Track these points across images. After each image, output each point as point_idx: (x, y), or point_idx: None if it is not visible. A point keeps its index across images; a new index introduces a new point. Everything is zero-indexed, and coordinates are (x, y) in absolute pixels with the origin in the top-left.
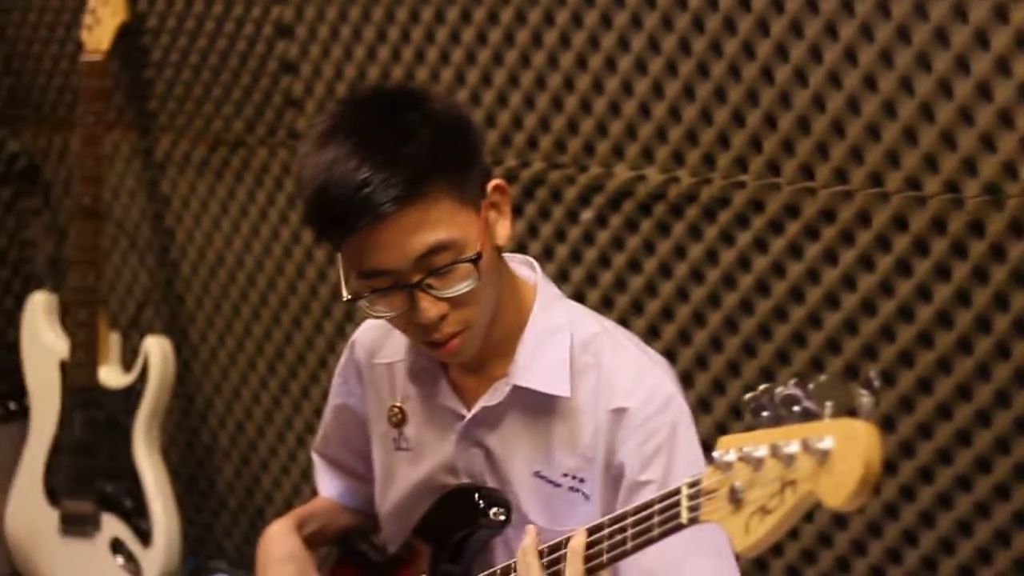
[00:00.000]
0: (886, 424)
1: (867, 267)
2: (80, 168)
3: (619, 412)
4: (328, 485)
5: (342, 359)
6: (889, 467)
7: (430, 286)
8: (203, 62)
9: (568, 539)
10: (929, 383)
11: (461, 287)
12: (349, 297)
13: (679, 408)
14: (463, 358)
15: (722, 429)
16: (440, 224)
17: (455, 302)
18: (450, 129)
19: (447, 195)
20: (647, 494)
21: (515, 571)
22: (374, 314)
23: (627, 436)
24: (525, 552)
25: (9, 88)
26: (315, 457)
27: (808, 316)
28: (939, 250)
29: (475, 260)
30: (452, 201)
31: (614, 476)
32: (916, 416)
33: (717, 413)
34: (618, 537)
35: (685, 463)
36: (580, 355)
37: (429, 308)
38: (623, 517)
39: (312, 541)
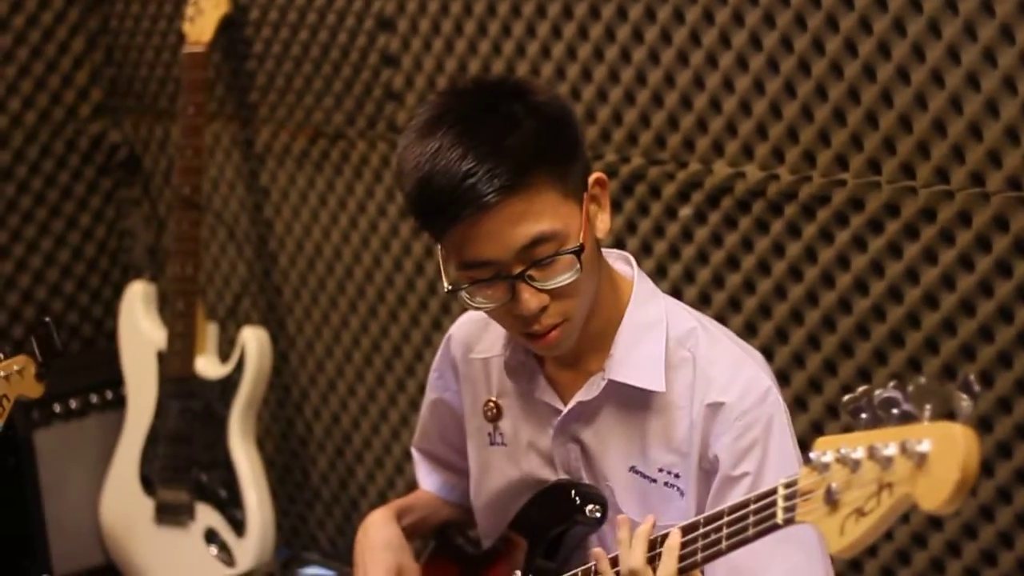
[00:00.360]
0: (983, 425)
1: (966, 267)
2: (180, 159)
3: (715, 406)
4: (427, 479)
5: (438, 354)
6: (986, 468)
7: (532, 277)
8: (304, 54)
9: (663, 537)
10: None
11: (562, 279)
12: (449, 288)
13: (776, 402)
14: (562, 350)
15: (818, 428)
16: (544, 215)
17: (556, 294)
18: (554, 121)
19: (550, 187)
20: (740, 488)
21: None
22: (474, 305)
23: (723, 430)
24: (637, 536)
25: (111, 79)
26: (415, 453)
27: (906, 315)
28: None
29: (578, 252)
30: (555, 193)
31: (707, 470)
32: (1014, 417)
33: (813, 412)
34: (713, 537)
35: (779, 459)
36: (676, 350)
37: (530, 299)
38: (719, 516)
39: (411, 532)
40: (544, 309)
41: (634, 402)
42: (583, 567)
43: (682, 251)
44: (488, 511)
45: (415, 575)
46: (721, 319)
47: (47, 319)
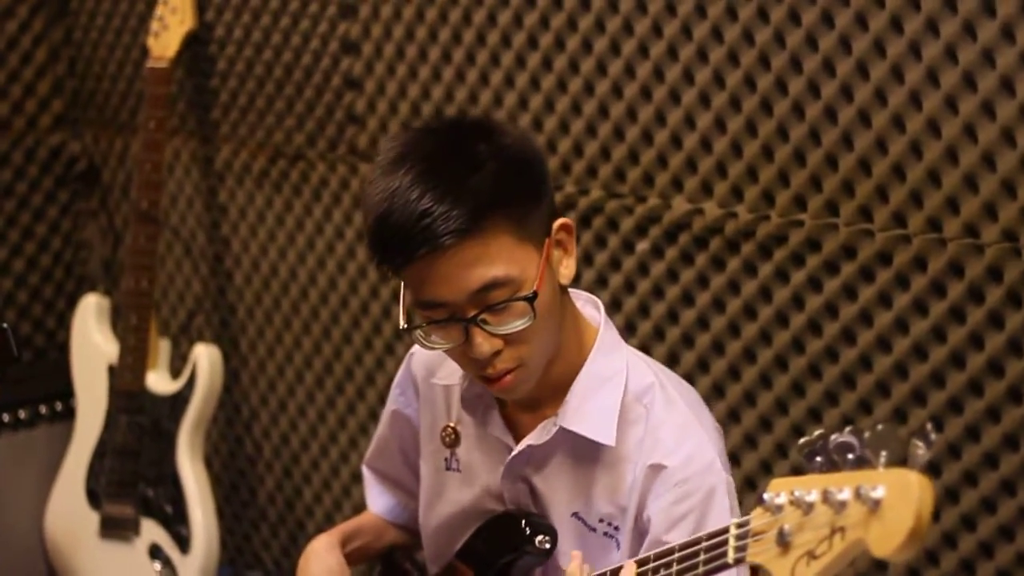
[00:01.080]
0: (932, 469)
1: (920, 312)
2: (139, 173)
3: (656, 468)
4: (377, 501)
5: (400, 370)
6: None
7: (485, 321)
8: (268, 74)
9: (614, 570)
10: (977, 431)
11: (516, 324)
12: (405, 327)
13: (718, 476)
14: (517, 395)
15: (767, 467)
16: (498, 260)
17: (510, 339)
18: (517, 164)
19: (507, 231)
20: None
21: None
22: (429, 345)
23: (660, 493)
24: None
25: (73, 90)
26: (365, 471)
27: (859, 358)
28: (994, 298)
29: (531, 299)
30: (512, 238)
31: (640, 530)
32: (963, 463)
33: (763, 450)
34: (663, 573)
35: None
36: (632, 405)
37: (483, 344)
38: (669, 552)
39: (356, 557)
40: (498, 353)
41: (584, 451)
42: None
43: (638, 285)
44: (437, 536)
45: None
46: (674, 355)
47: (4, 325)
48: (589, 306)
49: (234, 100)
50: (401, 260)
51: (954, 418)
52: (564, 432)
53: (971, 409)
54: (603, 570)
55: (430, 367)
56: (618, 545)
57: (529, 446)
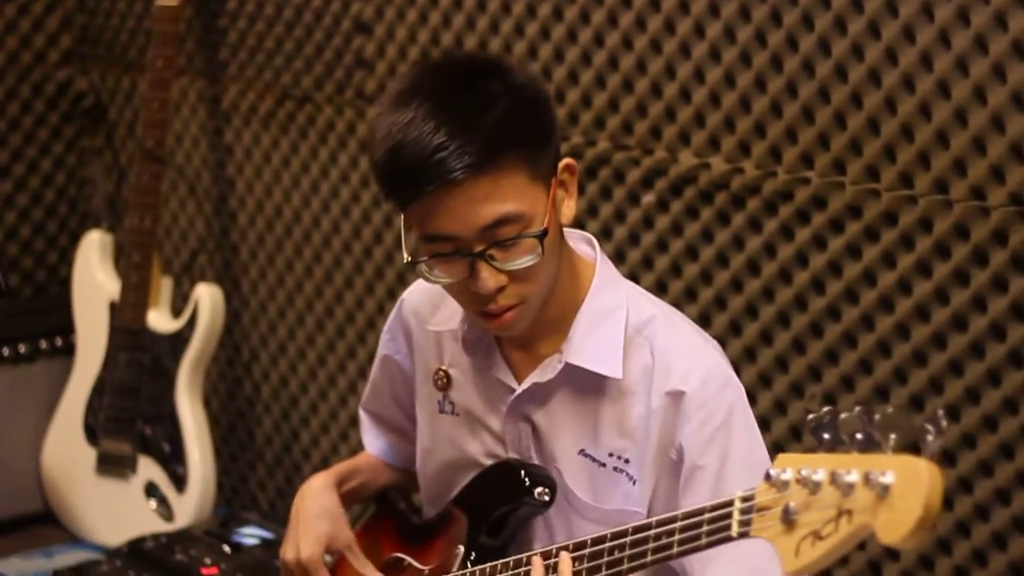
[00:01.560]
0: (946, 458)
1: (924, 273)
2: (146, 111)
3: (676, 395)
4: (373, 443)
5: (391, 316)
6: (946, 502)
7: (492, 257)
8: (277, 15)
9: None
10: (977, 394)
11: (523, 261)
12: (409, 259)
13: (736, 390)
14: (515, 332)
15: (765, 423)
16: (510, 196)
17: (515, 276)
18: (529, 103)
19: (519, 169)
20: (705, 478)
21: (554, 556)
22: (432, 279)
23: (685, 419)
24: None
25: (81, 27)
26: (362, 413)
27: (860, 317)
28: (999, 261)
29: (541, 236)
30: (524, 175)
31: (674, 459)
32: (978, 452)
33: (761, 406)
34: (665, 540)
35: (744, 447)
36: (635, 336)
37: (488, 279)
38: (672, 520)
39: (351, 497)
40: (501, 289)
41: (589, 386)
42: (533, 551)
43: (642, 238)
44: (434, 480)
45: (348, 544)
46: (676, 309)
47: None
48: (583, 243)
49: (243, 41)
50: (412, 193)
51: (954, 380)
52: (569, 368)
53: (972, 372)
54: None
55: (422, 313)
56: (631, 479)
57: (534, 384)
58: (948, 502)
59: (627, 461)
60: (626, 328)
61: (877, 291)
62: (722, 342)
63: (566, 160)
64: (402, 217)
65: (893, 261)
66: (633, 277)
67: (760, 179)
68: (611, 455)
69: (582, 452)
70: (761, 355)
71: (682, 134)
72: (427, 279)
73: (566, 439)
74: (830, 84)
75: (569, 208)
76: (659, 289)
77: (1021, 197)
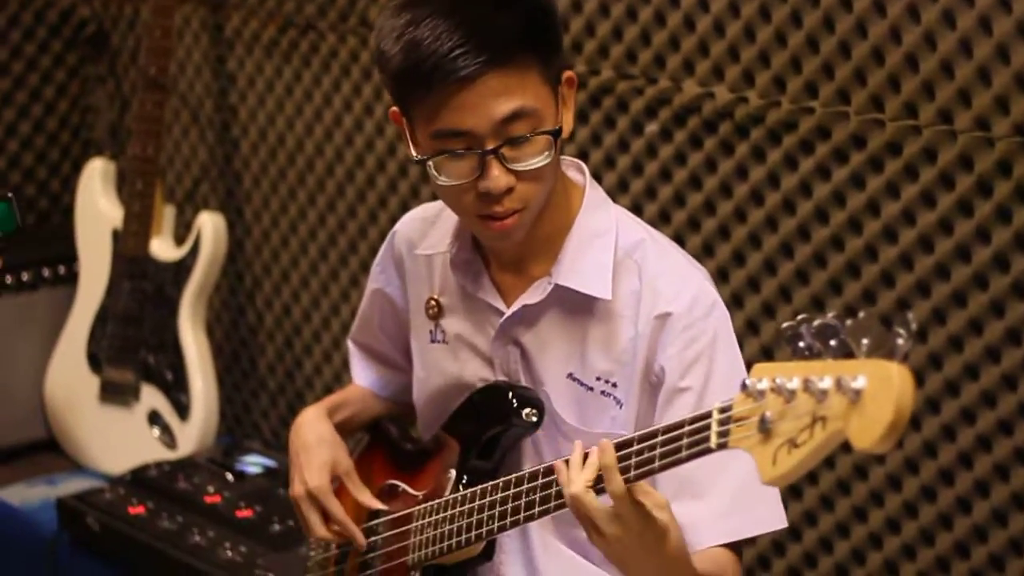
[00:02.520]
0: (933, 363)
1: (928, 203)
2: (148, 39)
3: (663, 317)
4: (362, 374)
5: (383, 247)
6: (914, 421)
7: (504, 156)
8: None
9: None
10: (980, 325)
11: (534, 162)
12: (418, 158)
13: (722, 315)
14: (513, 240)
15: (768, 353)
16: (526, 92)
17: (523, 176)
18: (543, 9)
19: (533, 68)
20: (686, 400)
21: (544, 476)
22: (440, 179)
23: (669, 341)
24: (573, 465)
25: None
26: (351, 345)
27: (864, 247)
28: (1003, 192)
29: (555, 134)
30: (537, 75)
31: (653, 382)
32: (964, 356)
33: (765, 336)
34: (647, 455)
35: (725, 371)
36: (623, 259)
37: (499, 177)
38: (653, 435)
39: (344, 427)
40: (509, 191)
41: (578, 308)
42: (523, 472)
43: (646, 167)
44: (429, 409)
45: (348, 471)
46: (679, 238)
47: (10, 194)
48: (572, 169)
49: None
50: (427, 89)
51: (957, 311)
52: (559, 289)
53: (975, 302)
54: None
55: (412, 240)
56: (618, 402)
57: (524, 306)
58: (915, 422)
59: (615, 385)
60: (616, 251)
61: (881, 222)
62: (725, 272)
63: (568, 72)
64: (404, 122)
65: (897, 192)
66: (636, 206)
67: (764, 109)
68: (599, 379)
69: (570, 376)
70: (765, 285)
71: (686, 63)
72: (435, 179)
73: (554, 362)
74: (835, 13)
75: (567, 122)
76: (662, 218)
77: (988, 122)
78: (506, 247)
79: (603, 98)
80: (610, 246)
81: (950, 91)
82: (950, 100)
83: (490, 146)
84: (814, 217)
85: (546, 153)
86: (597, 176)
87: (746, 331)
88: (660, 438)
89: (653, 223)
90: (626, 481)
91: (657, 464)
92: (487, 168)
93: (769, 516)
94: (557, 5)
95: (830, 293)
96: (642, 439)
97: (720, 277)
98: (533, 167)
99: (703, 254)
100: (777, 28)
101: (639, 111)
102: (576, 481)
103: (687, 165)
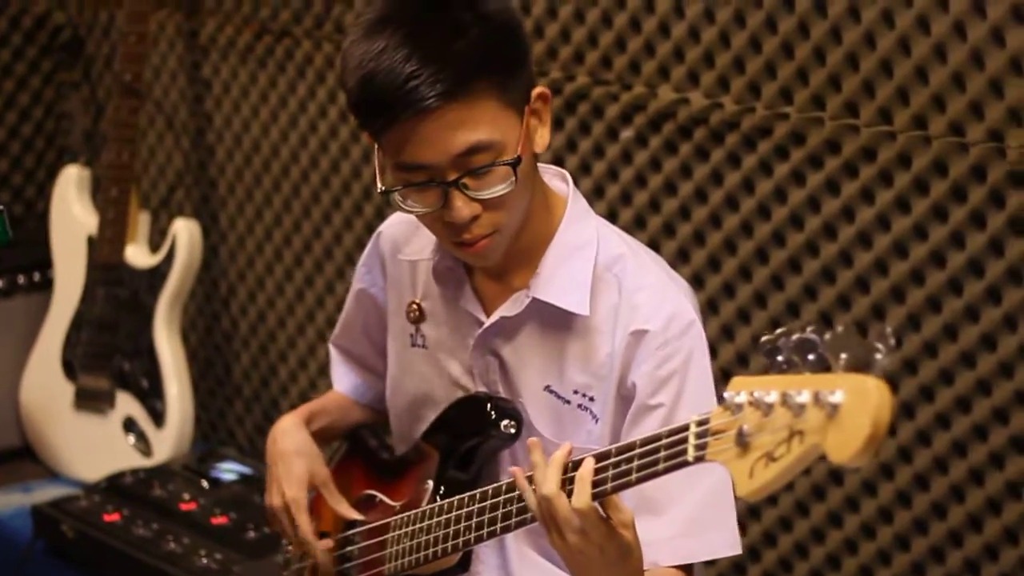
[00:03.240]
0: (908, 368)
1: (903, 209)
2: (123, 45)
3: (639, 334)
4: (342, 379)
5: (367, 249)
6: (907, 412)
7: (465, 186)
8: None
9: (575, 463)
10: (954, 330)
11: (496, 190)
12: (382, 189)
13: (698, 335)
14: (489, 262)
15: (743, 360)
16: (483, 124)
17: (488, 204)
18: (501, 31)
19: (492, 96)
20: (654, 418)
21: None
22: (406, 208)
23: (643, 358)
24: (553, 462)
25: None
26: (332, 350)
27: (839, 253)
28: (977, 197)
29: (514, 164)
30: (496, 103)
31: (624, 397)
32: (939, 361)
33: (740, 343)
34: (624, 467)
35: (696, 392)
36: (603, 274)
37: (462, 208)
38: (630, 447)
39: (321, 436)
40: (476, 219)
41: (556, 322)
42: (500, 483)
43: (621, 173)
44: (404, 414)
45: (325, 481)
46: (655, 244)
47: (1, 207)
48: (556, 179)
49: None
50: (384, 122)
51: (932, 317)
52: (537, 303)
53: (949, 308)
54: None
55: (396, 243)
56: (594, 417)
57: (502, 317)
58: (891, 428)
59: (591, 399)
60: (595, 265)
61: (856, 227)
62: (700, 278)
63: (539, 88)
64: (375, 147)
65: (872, 197)
66: (612, 212)
67: (739, 114)
68: (576, 392)
69: (547, 388)
70: (740, 290)
71: (661, 69)
72: (401, 209)
73: (532, 375)
74: (809, 19)
75: (543, 137)
76: (637, 224)
77: (999, 133)
78: (486, 266)
79: (578, 104)
80: (590, 259)
81: (924, 97)
82: (924, 106)
83: (451, 177)
84: (789, 223)
85: (509, 181)
86: (573, 182)
87: (721, 337)
88: (638, 450)
89: (628, 229)
90: (603, 493)
91: (634, 476)
92: (450, 199)
93: (723, 542)
94: (520, 22)
95: (805, 298)
96: (620, 451)
97: (696, 283)
98: (496, 195)
99: (678, 260)
100: (752, 34)
101: (614, 117)
102: (550, 481)
103: (662, 171)
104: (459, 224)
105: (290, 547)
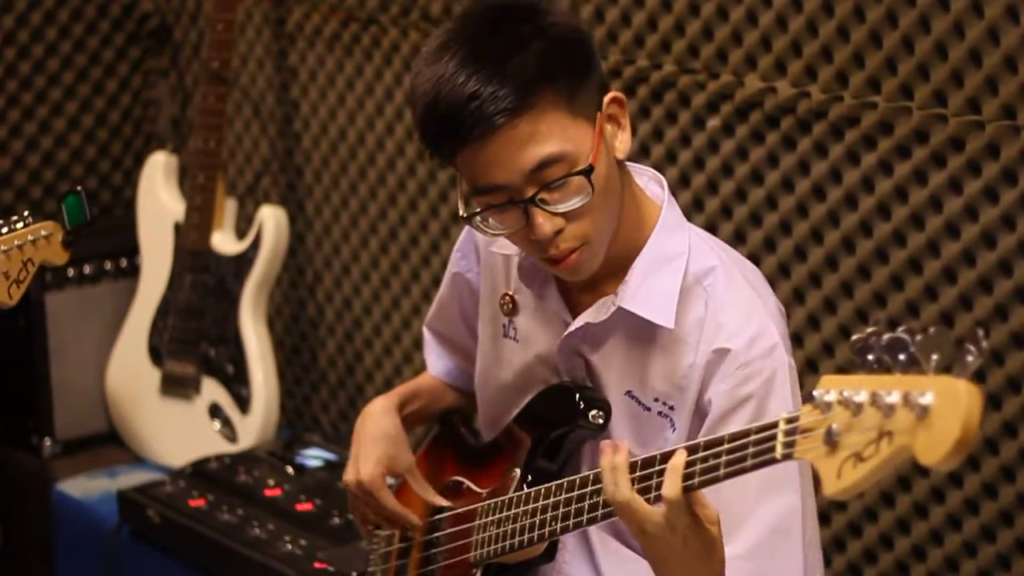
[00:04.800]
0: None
1: (991, 199)
2: (211, 32)
3: (721, 352)
4: (436, 363)
5: (463, 234)
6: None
7: (544, 201)
8: None
9: (663, 455)
10: (1021, 337)
11: (574, 202)
12: (464, 215)
13: (781, 359)
14: (584, 275)
15: (828, 349)
16: (551, 137)
17: (571, 216)
18: (562, 41)
19: (559, 108)
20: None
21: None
22: (490, 232)
23: (722, 377)
24: (616, 468)
25: None
26: (426, 333)
27: (927, 243)
28: None
29: (587, 173)
30: (564, 114)
31: (700, 412)
32: (1006, 370)
33: (825, 332)
34: (712, 462)
35: (775, 413)
36: (692, 286)
37: (544, 223)
38: (719, 442)
39: (413, 419)
40: (560, 232)
41: (641, 332)
42: (587, 474)
43: (707, 162)
44: (492, 402)
45: (408, 466)
46: (740, 234)
47: (79, 188)
48: (653, 183)
49: None
50: (452, 147)
51: (1020, 307)
52: (622, 312)
53: (1000, 289)
54: (653, 452)
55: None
56: (672, 425)
57: (586, 323)
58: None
59: (672, 408)
60: (685, 276)
61: (943, 217)
62: (786, 267)
63: (613, 93)
64: (458, 174)
65: (960, 187)
66: (697, 201)
67: (826, 104)
68: (656, 400)
69: (628, 393)
70: (826, 280)
71: (748, 58)
72: (485, 233)
73: (614, 379)
74: (898, 8)
75: (623, 142)
76: (723, 214)
77: None
78: (579, 280)
79: (665, 92)
80: (680, 272)
81: (1013, 86)
82: (1013, 95)
83: (528, 194)
84: (876, 213)
85: (586, 192)
86: (658, 171)
87: (807, 327)
88: (726, 446)
89: (714, 219)
90: (691, 487)
91: (723, 472)
92: (531, 216)
93: (789, 570)
94: (585, 31)
95: (892, 288)
96: (708, 445)
97: (781, 272)
98: (576, 207)
99: (764, 250)
100: (840, 23)
101: (701, 106)
102: (622, 487)
103: (749, 160)
104: (544, 240)
105: (377, 529)
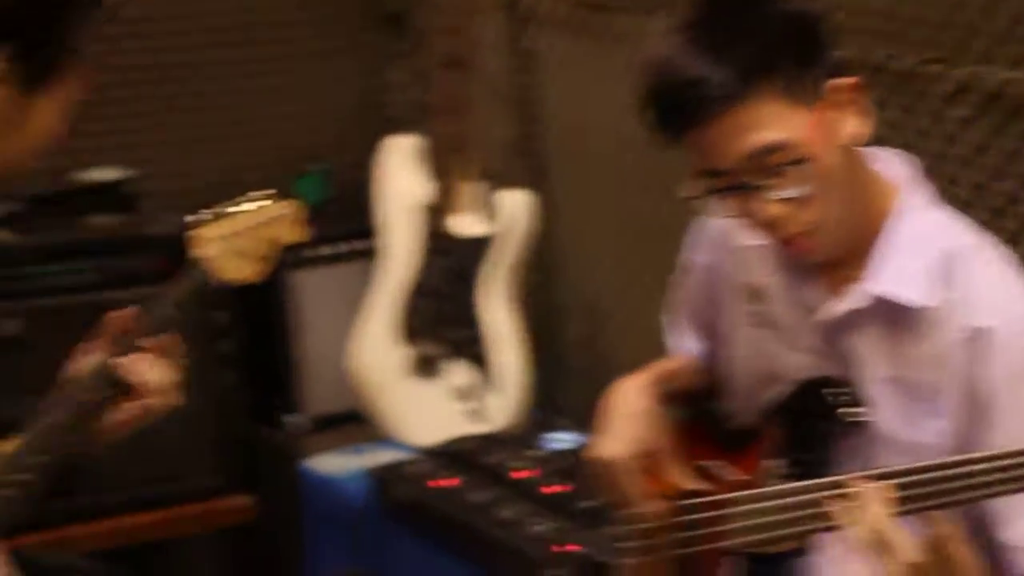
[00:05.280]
0: None
1: None
2: (450, 17)
3: (978, 331)
4: (683, 345)
5: (702, 222)
6: None
7: (763, 188)
8: None
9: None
10: None
11: (794, 190)
12: (684, 196)
13: None
14: (816, 259)
15: None
16: (770, 125)
17: (794, 203)
18: (786, 28)
19: (777, 96)
20: (1002, 420)
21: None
22: (712, 214)
23: (988, 357)
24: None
25: None
26: (675, 318)
27: None
28: None
29: (806, 162)
30: (783, 101)
31: (973, 399)
32: None
33: None
34: (993, 476)
35: None
36: (945, 264)
37: (762, 209)
38: (997, 457)
39: (667, 399)
40: (785, 218)
41: (894, 315)
42: (846, 476)
43: (948, 155)
44: (745, 390)
45: (659, 448)
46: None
47: (319, 168)
48: (895, 164)
49: None
50: (673, 131)
51: None
52: (871, 296)
53: None
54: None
55: (732, 222)
56: (939, 412)
57: (837, 311)
58: None
59: (936, 392)
60: (936, 255)
61: None
62: None
63: (843, 80)
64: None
65: None
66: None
67: None
68: (920, 386)
69: (891, 379)
70: None
71: (989, 48)
72: (711, 215)
73: (875, 366)
74: None
75: (852, 127)
76: (964, 207)
77: None
78: (819, 262)
79: (903, 84)
80: (928, 252)
81: None
82: None
83: (748, 181)
84: None
85: (806, 180)
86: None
87: None
88: (1008, 461)
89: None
90: (956, 503)
91: (1009, 487)
92: (749, 202)
93: None
94: (817, 16)
95: None
96: (985, 459)
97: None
98: (795, 195)
99: (1007, 245)
100: None
101: (941, 97)
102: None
103: (989, 154)
104: (767, 224)
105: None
